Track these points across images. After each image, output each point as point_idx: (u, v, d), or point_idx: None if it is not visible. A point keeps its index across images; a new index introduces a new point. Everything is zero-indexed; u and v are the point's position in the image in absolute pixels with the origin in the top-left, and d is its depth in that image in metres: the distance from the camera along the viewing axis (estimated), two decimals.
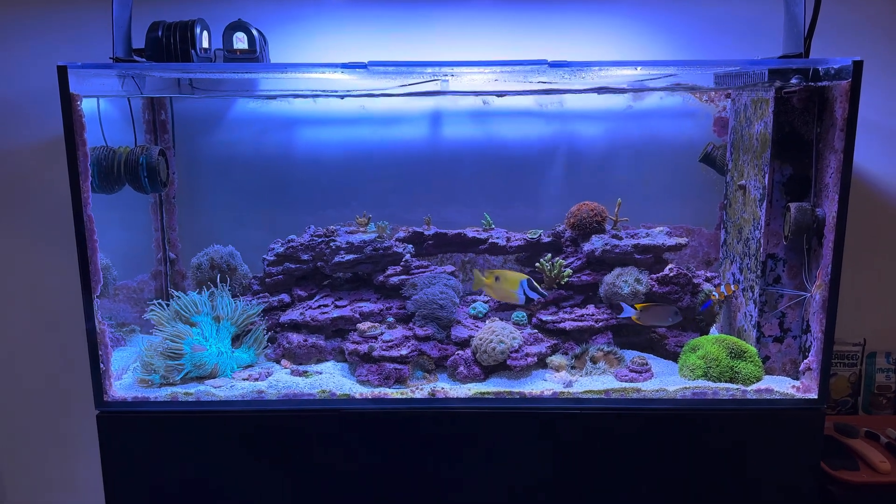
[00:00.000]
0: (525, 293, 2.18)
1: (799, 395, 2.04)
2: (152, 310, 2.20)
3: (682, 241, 2.35)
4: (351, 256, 2.32)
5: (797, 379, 2.12)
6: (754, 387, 2.07)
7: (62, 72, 1.86)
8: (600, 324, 2.26)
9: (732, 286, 2.25)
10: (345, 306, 2.31)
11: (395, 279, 2.33)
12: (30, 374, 2.68)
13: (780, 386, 2.08)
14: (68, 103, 1.88)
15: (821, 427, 2.03)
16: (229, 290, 2.30)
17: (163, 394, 2.06)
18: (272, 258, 2.40)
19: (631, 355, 2.21)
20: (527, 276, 2.21)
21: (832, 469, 2.19)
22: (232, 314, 2.24)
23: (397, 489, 2.07)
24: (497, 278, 2.22)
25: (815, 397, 2.02)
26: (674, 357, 2.26)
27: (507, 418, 2.03)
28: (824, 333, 1.99)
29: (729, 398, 2.04)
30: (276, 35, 2.39)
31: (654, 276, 2.28)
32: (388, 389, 2.10)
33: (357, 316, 2.27)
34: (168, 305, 2.21)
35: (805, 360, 2.07)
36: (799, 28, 2.03)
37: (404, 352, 2.13)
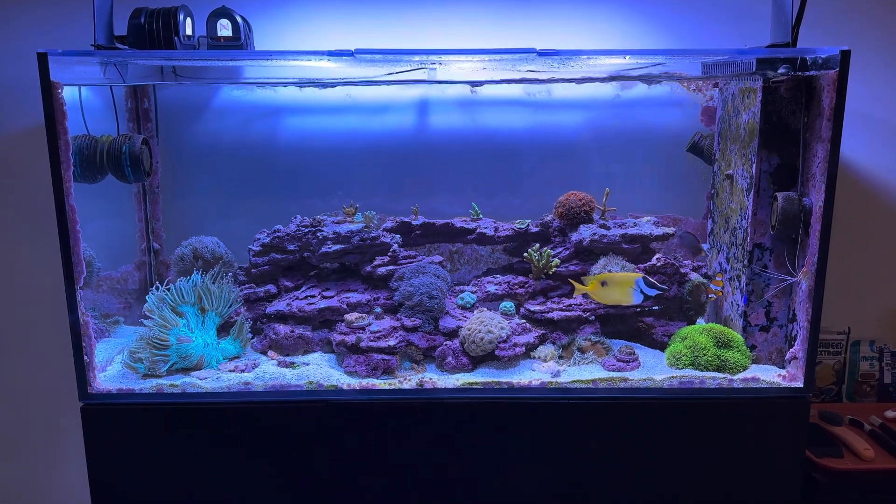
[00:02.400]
0: (643, 292, 2.08)
1: (785, 384, 2.06)
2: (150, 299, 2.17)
3: (670, 230, 2.35)
4: (338, 247, 2.31)
5: (783, 368, 2.13)
6: (741, 376, 2.08)
7: (42, 59, 1.83)
8: (588, 313, 2.26)
9: (718, 277, 2.26)
10: (332, 297, 2.30)
11: (382, 269, 2.32)
12: (12, 366, 2.65)
13: (767, 375, 2.09)
14: (49, 91, 1.84)
15: (806, 415, 2.04)
16: (213, 280, 2.28)
17: (148, 385, 2.04)
18: (258, 248, 2.38)
19: (618, 345, 2.22)
20: (640, 275, 2.09)
21: (817, 456, 2.21)
22: (217, 303, 2.22)
23: (385, 480, 2.07)
24: (604, 283, 2.11)
25: (801, 386, 2.04)
26: (661, 346, 2.27)
27: (496, 408, 2.03)
28: (810, 322, 2.00)
29: (716, 387, 2.05)
30: (260, 23, 2.36)
31: (641, 265, 2.28)
32: (375, 380, 2.09)
33: (344, 307, 2.25)
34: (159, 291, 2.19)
35: (791, 349, 2.08)
36: (786, 17, 2.03)
37: (392, 342, 2.13)
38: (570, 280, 2.25)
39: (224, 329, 2.29)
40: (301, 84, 2.44)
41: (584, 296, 2.20)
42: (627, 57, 2.01)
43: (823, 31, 2.41)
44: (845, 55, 1.85)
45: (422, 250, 2.55)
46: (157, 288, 2.17)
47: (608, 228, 2.34)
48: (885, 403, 2.62)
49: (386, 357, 2.11)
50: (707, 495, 2.07)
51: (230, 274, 2.41)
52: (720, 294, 2.22)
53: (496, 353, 2.12)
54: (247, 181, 2.58)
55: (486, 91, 2.52)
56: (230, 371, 2.13)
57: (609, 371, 2.11)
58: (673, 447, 2.05)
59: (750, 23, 2.40)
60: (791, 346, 2.12)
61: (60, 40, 2.35)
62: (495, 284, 2.38)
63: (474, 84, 2.44)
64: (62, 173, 1.88)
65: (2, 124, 2.46)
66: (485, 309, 2.28)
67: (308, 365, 2.17)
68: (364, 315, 2.22)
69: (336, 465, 2.05)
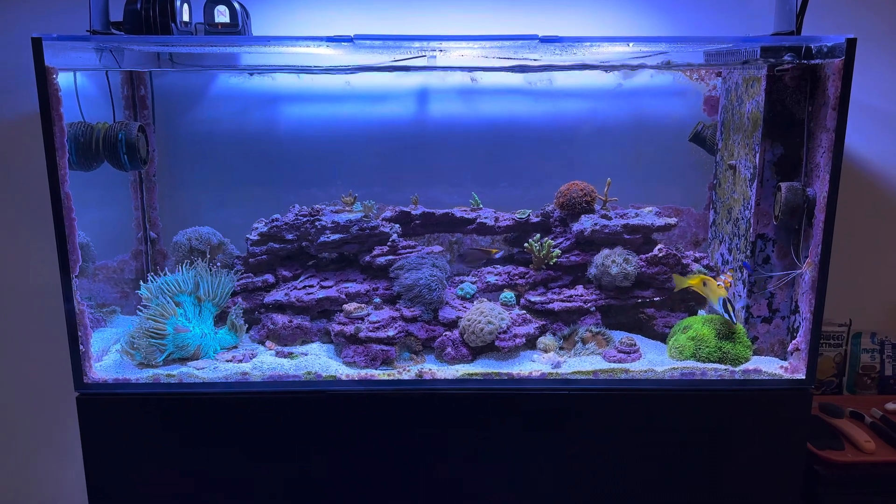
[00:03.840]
0: (721, 310, 2.07)
1: (787, 376, 2.05)
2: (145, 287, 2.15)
3: (672, 221, 2.33)
4: (337, 236, 2.28)
5: (785, 359, 2.12)
6: (742, 367, 2.07)
7: (37, 44, 1.80)
8: (589, 304, 2.24)
9: (723, 276, 2.24)
10: (330, 287, 2.27)
11: (381, 259, 2.29)
12: (6, 356, 2.62)
13: (768, 366, 2.08)
14: (43, 77, 1.82)
15: (808, 408, 2.03)
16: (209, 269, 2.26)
17: (144, 375, 2.03)
18: (256, 238, 2.36)
19: (619, 336, 2.20)
20: (726, 296, 2.08)
21: (818, 449, 2.21)
22: (214, 291, 2.20)
23: (384, 471, 2.05)
24: (705, 283, 2.12)
25: (803, 378, 2.03)
26: (662, 338, 2.26)
27: (495, 399, 2.01)
28: (813, 314, 1.99)
29: (717, 379, 2.04)
30: (258, 9, 2.33)
31: (643, 256, 2.26)
32: (374, 371, 2.07)
33: (343, 297, 2.23)
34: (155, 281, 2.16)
35: (793, 341, 2.07)
36: (791, 5, 2.01)
37: (391, 333, 2.11)
38: (676, 275, 2.21)
39: (222, 319, 2.27)
40: (299, 71, 2.41)
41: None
42: (631, 44, 1.98)
43: (829, 21, 2.38)
44: (851, 43, 1.83)
45: (421, 240, 2.53)
46: (152, 279, 2.15)
47: (610, 219, 2.32)
48: (885, 396, 2.61)
49: (385, 347, 2.09)
50: (708, 487, 2.06)
51: (228, 263, 2.39)
52: (727, 284, 2.19)
53: (496, 343, 2.10)
54: (244, 170, 2.56)
55: (487, 79, 2.49)
56: (228, 361, 2.11)
57: (610, 362, 2.10)
58: (674, 438, 2.03)
59: (751, 11, 2.38)
60: (793, 337, 2.10)
61: (56, 26, 2.32)
62: (495, 275, 2.36)
63: (493, 70, 2.41)
64: (57, 160, 1.86)
65: None
66: (485, 299, 2.26)
67: (306, 355, 2.15)
68: (363, 305, 2.20)
69: (334, 456, 2.04)
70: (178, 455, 2.03)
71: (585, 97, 2.51)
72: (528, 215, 2.45)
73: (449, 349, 2.12)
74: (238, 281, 2.31)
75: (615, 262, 2.21)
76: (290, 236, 2.34)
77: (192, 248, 2.36)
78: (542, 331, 2.23)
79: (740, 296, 2.21)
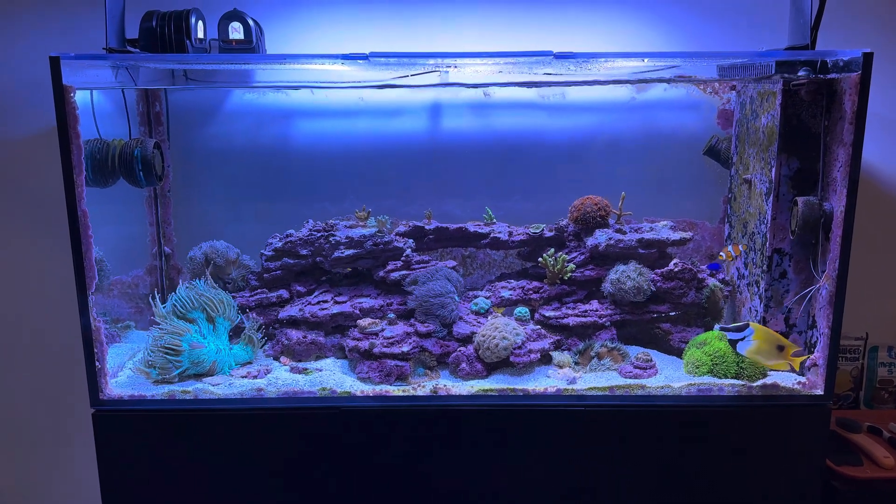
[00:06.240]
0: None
1: (805, 391, 2.03)
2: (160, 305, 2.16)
3: (687, 235, 2.32)
4: (350, 251, 2.29)
5: (803, 375, 2.10)
6: (760, 383, 2.05)
7: (55, 63, 1.81)
8: (604, 319, 2.23)
9: (741, 247, 2.22)
10: (345, 302, 2.27)
11: (395, 274, 2.29)
12: (23, 372, 2.63)
13: (786, 382, 2.06)
14: (61, 95, 1.83)
15: (827, 423, 2.02)
16: (223, 285, 2.26)
17: (160, 392, 2.03)
18: (270, 253, 2.36)
19: (635, 351, 2.19)
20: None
21: (836, 464, 2.18)
22: (223, 310, 2.20)
23: (399, 488, 2.04)
24: (781, 348, 2.01)
25: (822, 393, 2.01)
26: (678, 353, 2.24)
27: (511, 416, 2.00)
28: (831, 329, 1.97)
29: (734, 394, 2.02)
30: (272, 25, 2.34)
31: (658, 270, 2.25)
32: (389, 387, 2.06)
33: (357, 312, 2.23)
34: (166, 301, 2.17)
35: (811, 356, 2.05)
36: (805, 18, 2.00)
37: (405, 348, 2.10)
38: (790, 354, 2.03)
39: (237, 333, 2.27)
40: (314, 87, 2.42)
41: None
42: (645, 60, 1.98)
43: (837, 31, 2.36)
44: (868, 58, 1.82)
45: (435, 255, 2.53)
46: (158, 299, 2.15)
47: (624, 233, 2.31)
48: None
49: (399, 363, 2.09)
50: None
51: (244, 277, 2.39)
52: (730, 258, 2.17)
53: (511, 359, 2.10)
54: (258, 185, 2.57)
55: (500, 94, 2.49)
56: (242, 377, 2.11)
57: (626, 378, 2.09)
58: (691, 455, 2.02)
59: (764, 24, 2.38)
60: (811, 352, 2.08)
61: (73, 44, 2.34)
62: (509, 290, 2.35)
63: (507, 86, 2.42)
64: (74, 177, 1.86)
65: (14, 128, 2.45)
66: (499, 314, 2.26)
67: (321, 371, 2.15)
68: (377, 320, 2.19)
69: (349, 472, 2.03)
70: (194, 471, 2.02)
71: (599, 111, 2.51)
72: (542, 230, 2.44)
73: (464, 365, 2.12)
74: (252, 296, 2.31)
75: (629, 276, 2.20)
76: (304, 251, 2.34)
77: (207, 261, 2.37)
78: (557, 346, 2.22)
79: (757, 310, 2.20)
